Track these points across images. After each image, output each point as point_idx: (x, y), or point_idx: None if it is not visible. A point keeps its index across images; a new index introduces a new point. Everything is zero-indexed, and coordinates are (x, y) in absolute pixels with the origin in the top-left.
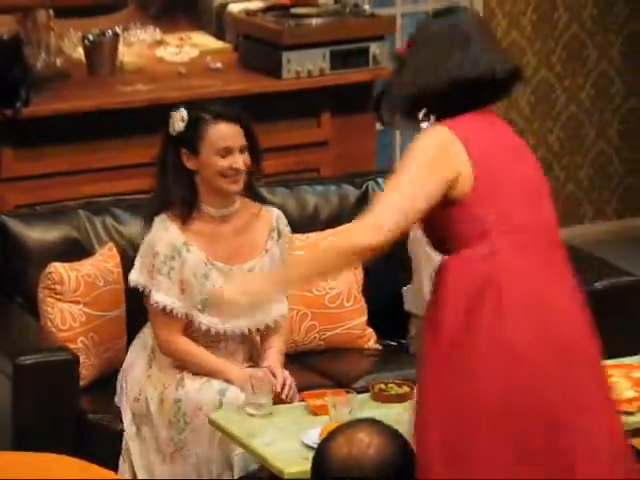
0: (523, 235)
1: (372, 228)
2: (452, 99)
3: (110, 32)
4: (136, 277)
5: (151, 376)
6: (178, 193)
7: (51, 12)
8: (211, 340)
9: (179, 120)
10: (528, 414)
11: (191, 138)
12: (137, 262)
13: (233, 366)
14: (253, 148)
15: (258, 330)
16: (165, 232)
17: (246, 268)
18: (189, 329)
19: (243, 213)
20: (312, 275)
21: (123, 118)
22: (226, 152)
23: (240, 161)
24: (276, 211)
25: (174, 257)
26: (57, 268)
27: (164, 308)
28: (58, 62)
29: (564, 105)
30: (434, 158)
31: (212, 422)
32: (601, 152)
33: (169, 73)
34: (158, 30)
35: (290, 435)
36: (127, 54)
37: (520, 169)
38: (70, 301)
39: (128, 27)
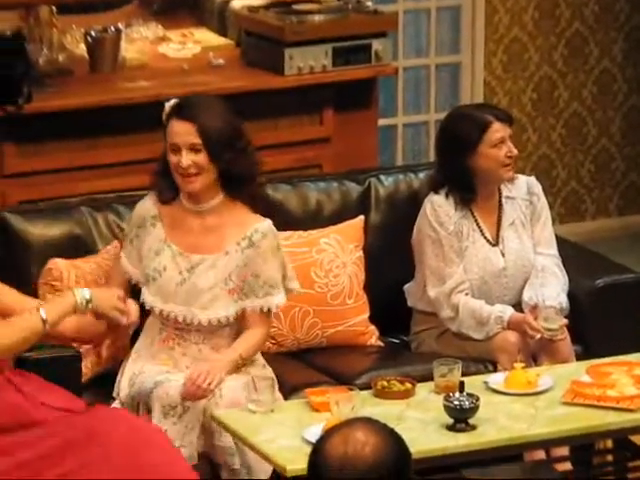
0: None
1: None
2: None
3: (113, 28)
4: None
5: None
6: (160, 179)
7: (54, 8)
8: (176, 329)
9: (164, 111)
10: None
11: (165, 132)
12: None
13: None
14: (212, 151)
15: (210, 322)
16: (142, 203)
17: (196, 259)
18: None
19: (220, 214)
20: None
21: (125, 114)
22: (175, 149)
23: (185, 160)
24: (261, 224)
25: (141, 226)
26: (57, 264)
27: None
28: (60, 58)
29: (566, 102)
30: None
31: (214, 419)
32: (603, 149)
33: (171, 69)
34: (161, 26)
35: (292, 432)
36: (129, 50)
37: None
38: None
39: (131, 23)
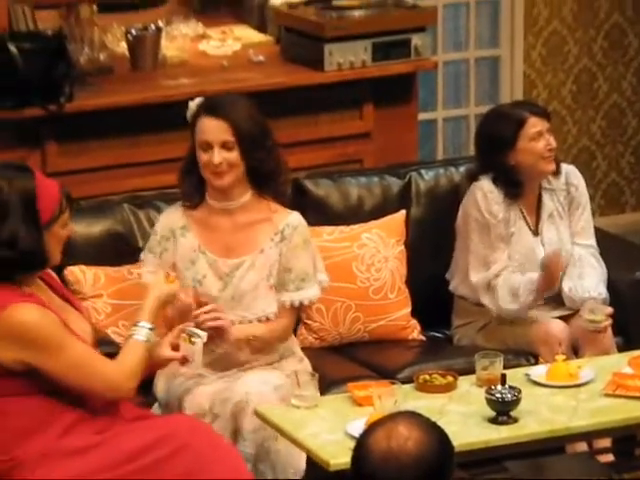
0: None
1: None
2: None
3: (153, 26)
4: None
5: None
6: (186, 182)
7: (94, 7)
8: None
9: (189, 110)
10: None
11: (192, 130)
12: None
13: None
14: (245, 148)
15: (259, 320)
16: (168, 214)
17: (234, 263)
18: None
19: (250, 211)
20: None
21: (166, 112)
22: (206, 146)
23: (217, 157)
24: (291, 217)
25: (169, 238)
26: (71, 271)
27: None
28: (101, 57)
29: (606, 94)
30: None
31: (258, 414)
32: None
33: (212, 66)
34: (201, 24)
35: (335, 426)
36: (170, 48)
37: None
38: (93, 296)
39: (171, 21)
